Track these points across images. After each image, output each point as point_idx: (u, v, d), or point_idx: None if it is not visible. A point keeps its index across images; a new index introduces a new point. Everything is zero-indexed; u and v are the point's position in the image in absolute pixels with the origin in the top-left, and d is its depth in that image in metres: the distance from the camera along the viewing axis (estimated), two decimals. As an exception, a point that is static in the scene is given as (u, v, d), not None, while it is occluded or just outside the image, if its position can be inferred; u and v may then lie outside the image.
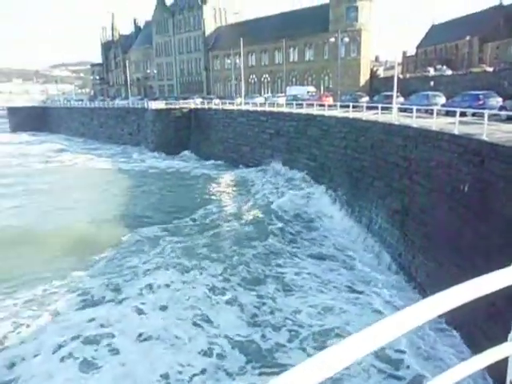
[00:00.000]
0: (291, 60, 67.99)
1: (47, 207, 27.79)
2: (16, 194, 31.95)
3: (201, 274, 16.30)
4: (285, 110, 36.58)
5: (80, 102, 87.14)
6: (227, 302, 14.23)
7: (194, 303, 13.95)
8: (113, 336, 12.22)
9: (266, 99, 49.53)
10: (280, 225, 22.62)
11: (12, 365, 11.23)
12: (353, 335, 1.27)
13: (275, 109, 37.98)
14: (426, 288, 13.94)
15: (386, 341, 1.31)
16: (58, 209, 27.36)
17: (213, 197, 30.51)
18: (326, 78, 62.79)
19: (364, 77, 57.02)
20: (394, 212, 17.96)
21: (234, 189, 32.95)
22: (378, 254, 18.27)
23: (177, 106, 52.45)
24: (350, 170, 24.12)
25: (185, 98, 63.17)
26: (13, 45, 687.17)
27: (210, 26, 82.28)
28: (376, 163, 20.69)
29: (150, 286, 15.15)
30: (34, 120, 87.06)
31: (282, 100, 45.97)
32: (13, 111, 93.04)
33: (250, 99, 53.26)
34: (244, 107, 44.61)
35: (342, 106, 30.37)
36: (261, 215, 24.15)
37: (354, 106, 27.58)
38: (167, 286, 15.21)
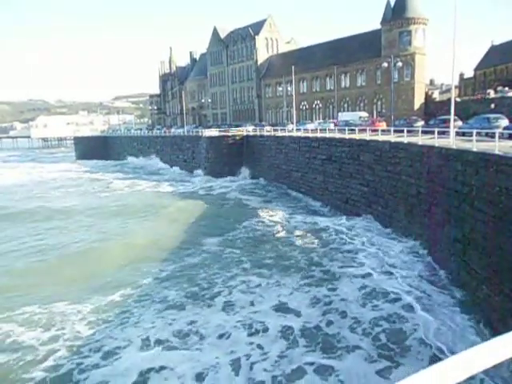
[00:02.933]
0: (343, 86, 67.97)
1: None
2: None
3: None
4: (337, 135, 36.36)
5: (139, 132, 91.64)
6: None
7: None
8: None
9: (319, 124, 49.67)
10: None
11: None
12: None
13: (327, 135, 37.84)
14: (492, 322, 13.00)
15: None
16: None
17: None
18: (379, 103, 62.03)
19: (418, 101, 55.72)
20: (454, 240, 17.08)
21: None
22: (432, 282, 17.40)
23: (229, 134, 53.72)
24: (406, 196, 23.38)
25: (237, 126, 64.73)
26: (78, 80, 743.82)
27: (262, 56, 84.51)
28: (433, 189, 19.92)
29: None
30: (96, 149, 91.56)
31: (333, 126, 45.85)
32: (78, 141, 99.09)
33: (302, 125, 53.61)
34: (295, 133, 44.88)
35: (396, 131, 29.74)
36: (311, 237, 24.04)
37: (408, 131, 26.90)
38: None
